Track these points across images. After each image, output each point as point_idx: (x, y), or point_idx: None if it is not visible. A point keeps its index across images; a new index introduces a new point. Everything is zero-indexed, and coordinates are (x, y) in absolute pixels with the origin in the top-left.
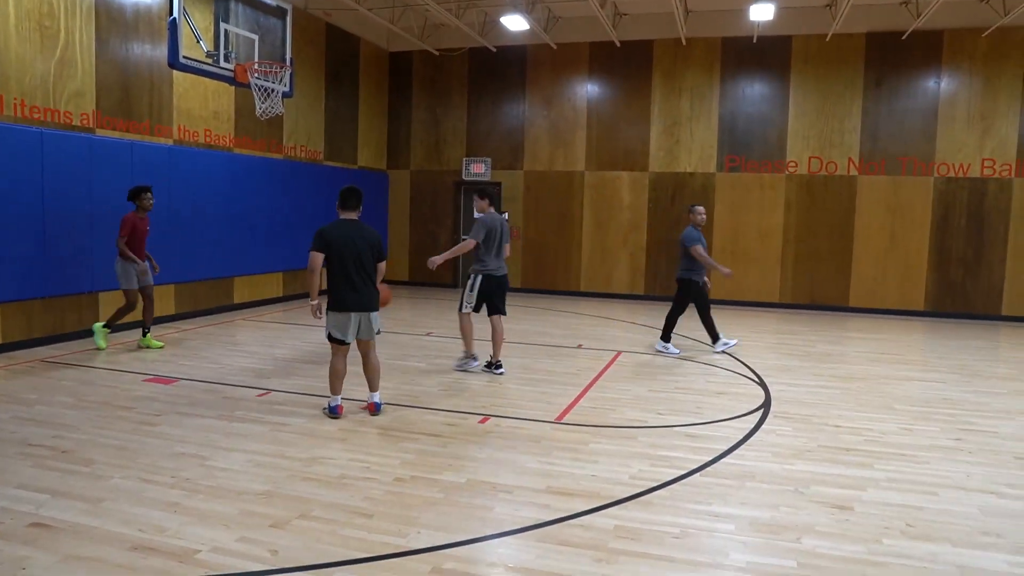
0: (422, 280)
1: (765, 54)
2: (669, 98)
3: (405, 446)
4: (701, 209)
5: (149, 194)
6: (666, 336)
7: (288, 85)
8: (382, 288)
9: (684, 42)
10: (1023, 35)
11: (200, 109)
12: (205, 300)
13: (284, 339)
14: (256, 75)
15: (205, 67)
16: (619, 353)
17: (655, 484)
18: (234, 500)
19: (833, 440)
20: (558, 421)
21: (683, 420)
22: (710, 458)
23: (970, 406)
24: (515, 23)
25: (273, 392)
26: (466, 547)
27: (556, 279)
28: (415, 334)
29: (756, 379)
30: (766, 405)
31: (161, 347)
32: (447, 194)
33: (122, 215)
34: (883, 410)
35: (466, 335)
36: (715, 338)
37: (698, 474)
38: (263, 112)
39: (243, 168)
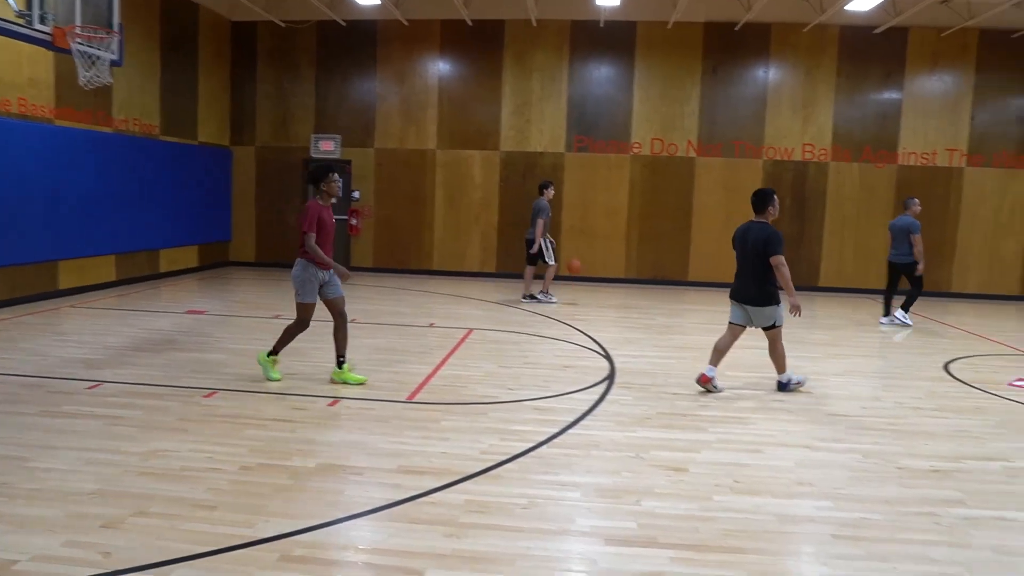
0: (269, 261)
1: (612, 39)
2: (520, 78)
3: (252, 433)
4: (918, 200)
5: (336, 175)
6: (907, 307)
7: (117, 53)
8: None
9: (535, 23)
10: (836, 32)
11: (13, 75)
12: (25, 286)
13: (118, 327)
14: (78, 40)
15: (16, 28)
16: (471, 331)
17: (505, 458)
18: (60, 502)
19: (671, 407)
20: (409, 400)
21: (532, 394)
22: (557, 430)
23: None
24: None
25: (106, 384)
26: (316, 532)
27: (408, 258)
28: (262, 317)
29: (602, 352)
30: (610, 377)
31: (363, 382)
32: (295, 172)
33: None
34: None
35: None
36: (887, 313)
37: (546, 446)
38: (87, 81)
39: (66, 141)
